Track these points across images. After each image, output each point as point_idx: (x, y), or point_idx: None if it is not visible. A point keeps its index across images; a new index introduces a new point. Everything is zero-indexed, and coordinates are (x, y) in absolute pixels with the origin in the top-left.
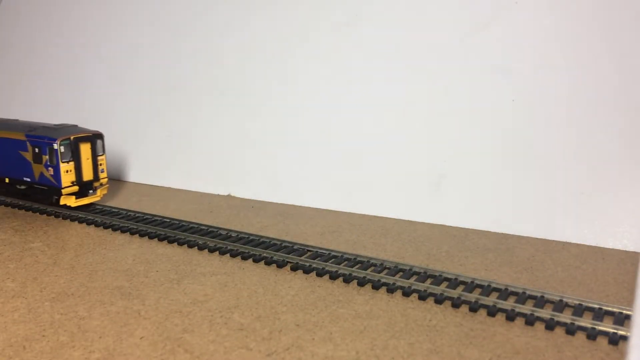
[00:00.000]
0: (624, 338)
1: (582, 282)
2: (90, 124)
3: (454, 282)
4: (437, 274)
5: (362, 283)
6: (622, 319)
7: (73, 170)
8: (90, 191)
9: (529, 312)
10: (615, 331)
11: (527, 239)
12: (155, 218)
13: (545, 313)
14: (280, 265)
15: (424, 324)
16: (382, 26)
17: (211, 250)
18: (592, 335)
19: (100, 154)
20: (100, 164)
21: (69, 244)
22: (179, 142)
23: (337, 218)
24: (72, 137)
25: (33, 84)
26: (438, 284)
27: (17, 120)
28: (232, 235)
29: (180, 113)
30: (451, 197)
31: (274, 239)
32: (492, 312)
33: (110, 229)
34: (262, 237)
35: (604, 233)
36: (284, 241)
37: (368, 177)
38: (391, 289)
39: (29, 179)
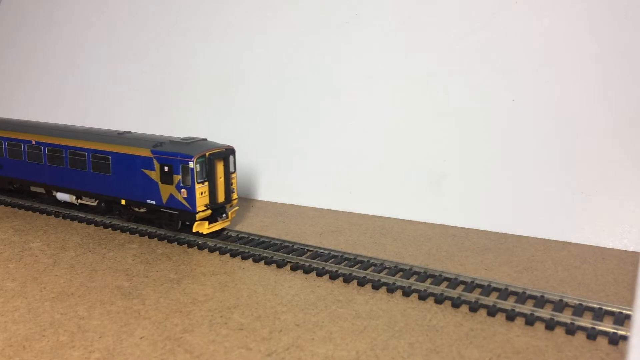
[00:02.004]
0: (624, 338)
1: (582, 282)
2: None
3: (454, 282)
4: (437, 274)
5: (362, 283)
6: (622, 319)
7: (207, 192)
8: (224, 215)
9: (529, 312)
10: (615, 331)
11: (527, 239)
12: None
13: (545, 313)
14: (280, 265)
15: (424, 324)
16: (383, 26)
17: (211, 250)
18: (592, 335)
19: (233, 171)
20: (232, 183)
21: (68, 244)
22: None
23: (337, 218)
24: (207, 154)
25: (33, 83)
26: (438, 284)
27: (129, 132)
28: (232, 235)
29: (180, 112)
30: (451, 197)
31: (274, 238)
32: (492, 312)
33: (110, 229)
34: (262, 237)
35: (604, 233)
36: (284, 241)
37: (368, 177)
38: (391, 289)
39: (153, 202)
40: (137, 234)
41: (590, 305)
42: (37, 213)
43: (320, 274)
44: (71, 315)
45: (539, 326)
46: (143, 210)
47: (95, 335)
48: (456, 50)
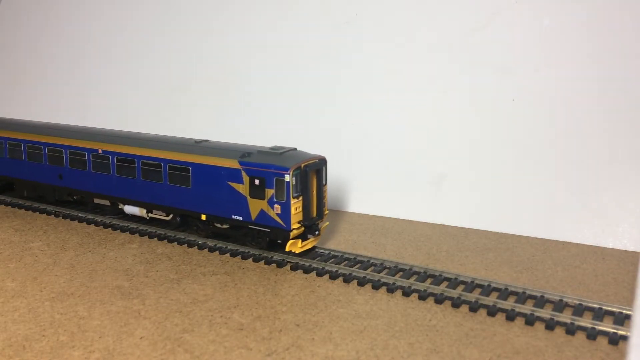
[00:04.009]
0: (624, 338)
1: (582, 282)
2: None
3: (454, 282)
4: (437, 273)
5: (362, 283)
6: (622, 319)
7: (301, 208)
8: (316, 232)
9: (529, 312)
10: (615, 331)
11: (527, 239)
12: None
13: (545, 313)
14: (280, 265)
15: (424, 324)
16: (383, 26)
17: (211, 250)
18: (592, 335)
19: (325, 183)
20: (324, 197)
21: (68, 244)
22: None
23: (337, 218)
24: (302, 166)
25: (32, 83)
26: (438, 284)
27: (207, 140)
28: None
29: (181, 112)
30: (451, 197)
31: None
32: (492, 312)
33: (110, 228)
34: None
35: (604, 233)
36: None
37: (368, 177)
38: (391, 289)
39: (240, 218)
40: (137, 234)
41: (590, 305)
42: (37, 213)
43: (320, 274)
44: (71, 315)
45: (539, 326)
46: (226, 226)
47: (95, 335)
48: (456, 50)
